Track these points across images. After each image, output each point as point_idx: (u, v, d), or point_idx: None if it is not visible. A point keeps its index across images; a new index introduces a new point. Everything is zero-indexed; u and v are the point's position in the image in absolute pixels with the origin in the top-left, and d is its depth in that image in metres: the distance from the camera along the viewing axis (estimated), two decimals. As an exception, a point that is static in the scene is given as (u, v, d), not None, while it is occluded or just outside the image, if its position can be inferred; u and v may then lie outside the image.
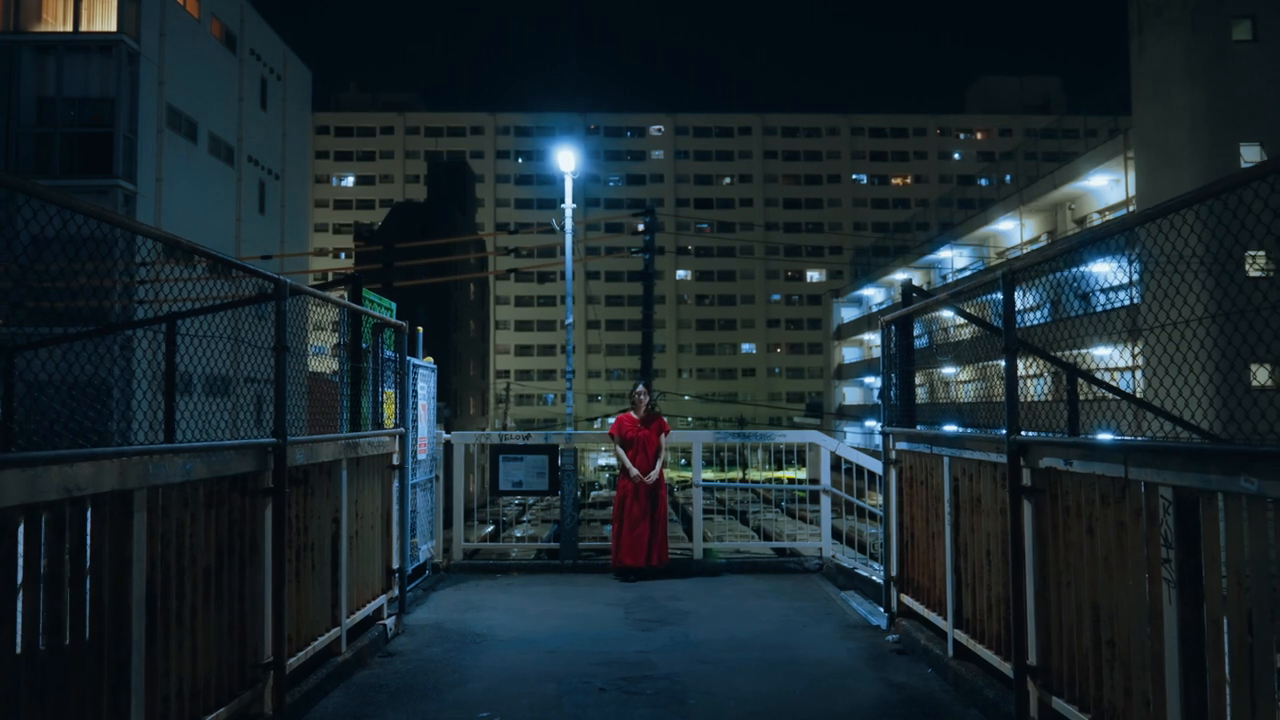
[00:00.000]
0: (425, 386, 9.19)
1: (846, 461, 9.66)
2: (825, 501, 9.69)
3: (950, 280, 45.66)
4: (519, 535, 30.13)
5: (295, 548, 5.18)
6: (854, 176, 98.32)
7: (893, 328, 6.98)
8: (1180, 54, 26.81)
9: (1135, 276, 4.22)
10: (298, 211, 36.88)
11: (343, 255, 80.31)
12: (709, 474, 9.66)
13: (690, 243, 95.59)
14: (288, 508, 5.00)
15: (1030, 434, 4.60)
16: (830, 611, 7.76)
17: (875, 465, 9.19)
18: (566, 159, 10.32)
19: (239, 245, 29.64)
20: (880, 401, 7.02)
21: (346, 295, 7.13)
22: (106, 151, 24.32)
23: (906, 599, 6.68)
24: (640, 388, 9.49)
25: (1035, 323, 4.95)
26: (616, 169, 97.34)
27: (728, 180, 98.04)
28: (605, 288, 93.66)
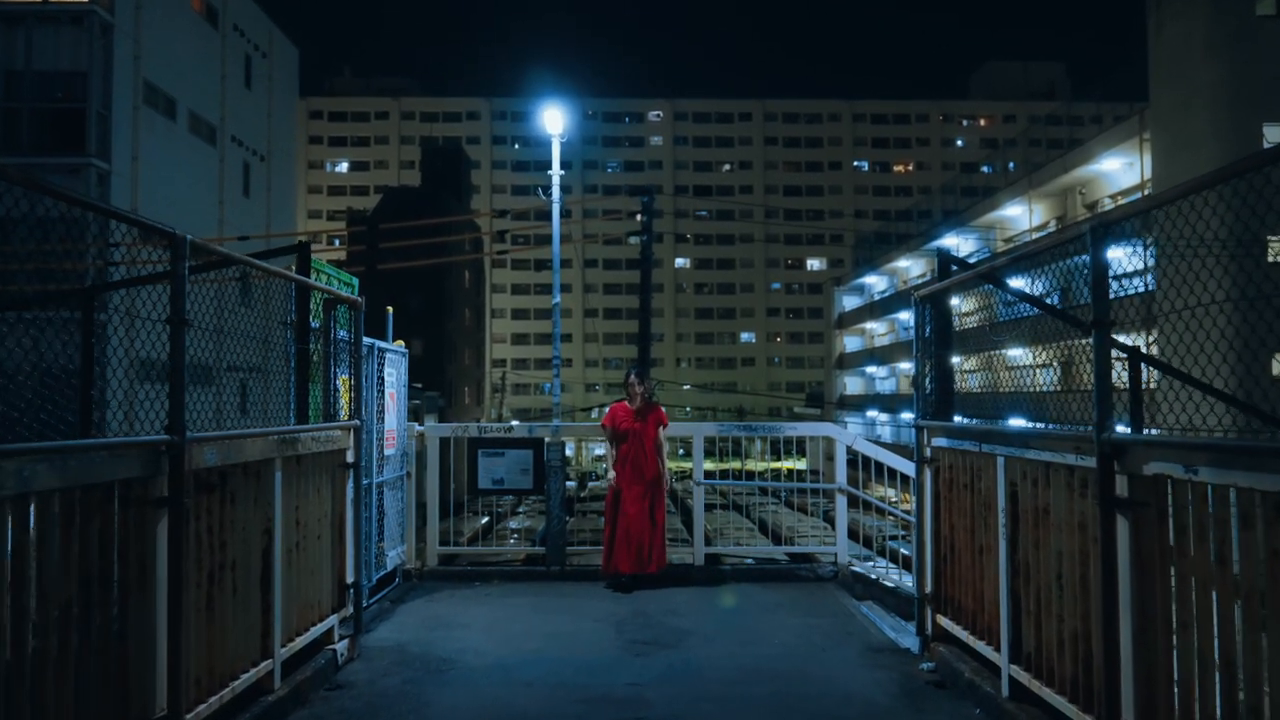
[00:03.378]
0: (395, 373, 8.21)
1: (854, 455, 8.68)
2: (841, 502, 8.72)
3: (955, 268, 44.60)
4: (514, 527, 29.20)
5: (207, 568, 4.21)
6: (855, 163, 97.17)
7: (927, 305, 6.00)
8: (1200, 31, 25.76)
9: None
10: (284, 195, 35.81)
11: (336, 242, 79.16)
12: (707, 465, 8.69)
13: (689, 230, 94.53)
14: (192, 520, 4.03)
15: (1128, 431, 3.63)
16: (851, 630, 6.80)
17: (898, 462, 8.23)
18: (554, 120, 9.32)
19: (221, 228, 28.60)
20: (914, 390, 6.04)
21: (294, 267, 6.15)
22: (79, 128, 23.25)
23: (944, 621, 5.71)
24: (633, 375, 8.51)
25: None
26: (615, 155, 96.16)
27: (727, 167, 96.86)
28: (603, 275, 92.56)
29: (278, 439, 4.91)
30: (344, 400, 6.34)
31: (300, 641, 5.29)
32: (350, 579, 6.11)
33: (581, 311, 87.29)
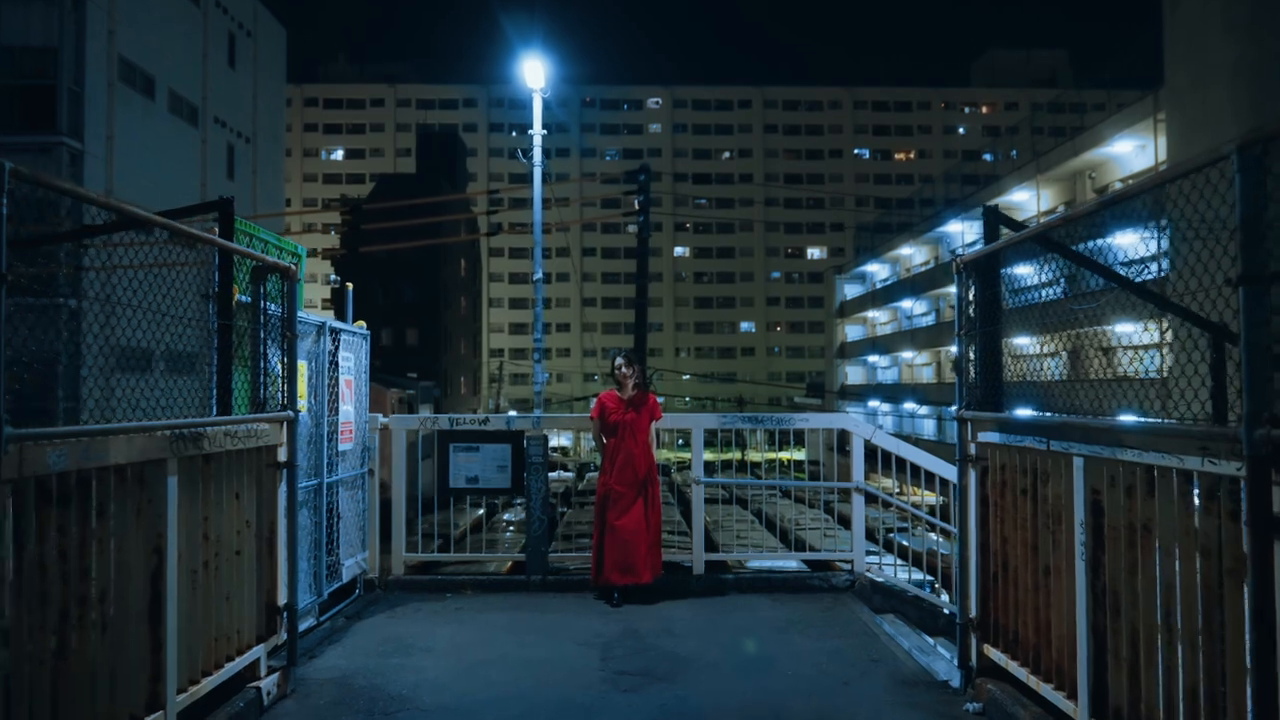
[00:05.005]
0: (352, 357, 7.23)
1: (862, 447, 7.70)
2: (858, 502, 7.74)
3: (962, 252, 43.59)
4: (510, 519, 28.22)
5: (57, 605, 3.23)
6: (856, 151, 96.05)
7: (972, 273, 5.01)
8: (1218, 6, 24.75)
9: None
10: (272, 179, 34.76)
11: (332, 231, 77.98)
12: (706, 455, 7.72)
13: (689, 219, 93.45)
14: (33, 543, 3.06)
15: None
16: (876, 655, 5.82)
17: (926, 460, 7.26)
18: (534, 73, 8.32)
19: (202, 211, 27.55)
20: (955, 375, 5.04)
21: (217, 230, 5.17)
22: (49, 106, 22.22)
23: (993, 653, 4.74)
24: (620, 360, 7.52)
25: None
26: (613, 143, 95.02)
27: (727, 155, 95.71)
28: (601, 264, 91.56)
29: (169, 435, 3.92)
30: (283, 388, 5.35)
31: (209, 683, 4.31)
32: (282, 600, 5.13)
33: (579, 300, 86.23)
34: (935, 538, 15.34)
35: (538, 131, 8.48)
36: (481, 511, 23.50)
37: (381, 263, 57.17)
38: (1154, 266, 4.47)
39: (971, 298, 5.01)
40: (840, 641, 6.14)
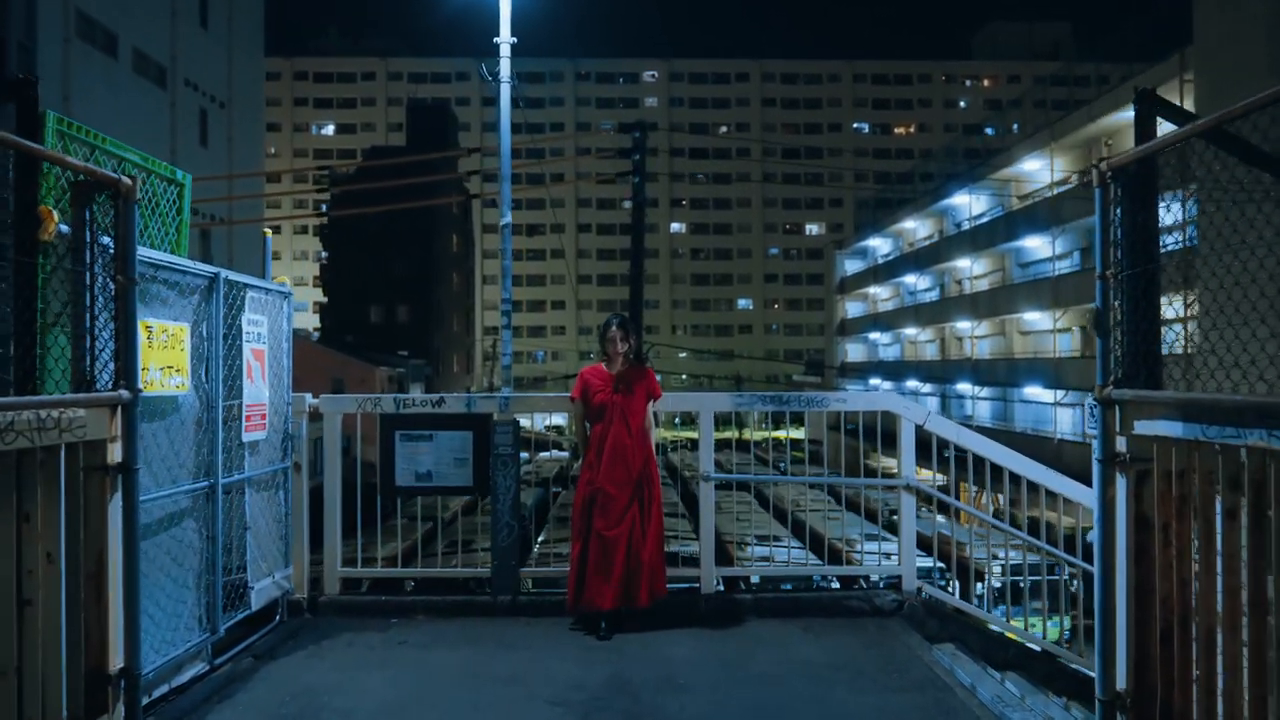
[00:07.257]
0: (265, 321, 5.63)
1: (920, 437, 6.16)
2: (907, 503, 6.16)
3: (967, 227, 42.03)
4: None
5: None
6: (855, 125, 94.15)
7: (1119, 187, 3.42)
8: (1255, -46, 23.08)
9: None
10: (249, 147, 32.98)
11: (324, 207, 76.07)
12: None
13: (685, 194, 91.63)
14: None
15: None
16: (952, 719, 4.27)
17: (1000, 454, 5.71)
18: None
19: (169, 178, 25.84)
20: (1098, 337, 3.45)
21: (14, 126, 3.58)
22: (-5, 60, 20.48)
23: (1159, 747, 3.19)
24: (615, 327, 5.95)
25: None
26: (608, 116, 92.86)
27: (724, 129, 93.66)
28: (597, 240, 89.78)
29: None
30: (173, 361, 3.76)
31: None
32: (117, 664, 3.56)
33: (574, 277, 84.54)
34: (941, 520, 13.82)
35: (505, 40, 6.89)
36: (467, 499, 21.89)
37: (371, 237, 55.45)
38: None
39: (1116, 224, 3.43)
40: (901, 696, 4.59)
